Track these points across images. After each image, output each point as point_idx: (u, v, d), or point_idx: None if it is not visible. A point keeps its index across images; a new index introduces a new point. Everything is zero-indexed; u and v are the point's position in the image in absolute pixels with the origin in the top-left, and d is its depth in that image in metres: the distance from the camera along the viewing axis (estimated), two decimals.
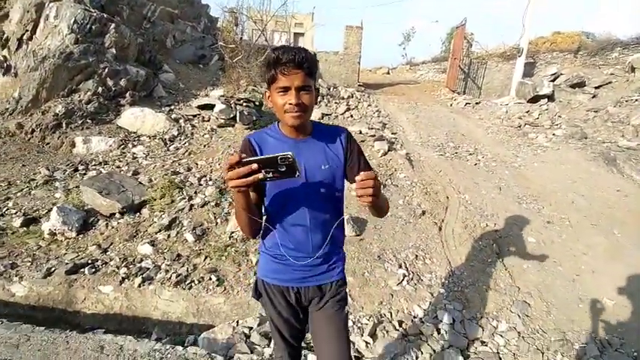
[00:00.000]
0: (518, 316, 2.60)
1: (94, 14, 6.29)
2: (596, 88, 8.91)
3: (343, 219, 1.36)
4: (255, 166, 0.90)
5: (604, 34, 11.75)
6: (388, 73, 16.26)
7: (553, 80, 9.46)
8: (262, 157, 0.92)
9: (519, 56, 9.89)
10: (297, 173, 0.93)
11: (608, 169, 5.17)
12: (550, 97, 8.46)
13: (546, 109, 7.82)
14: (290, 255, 1.27)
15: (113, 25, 6.43)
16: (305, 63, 1.07)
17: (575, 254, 3.30)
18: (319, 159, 1.22)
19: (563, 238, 3.51)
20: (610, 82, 8.97)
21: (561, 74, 9.96)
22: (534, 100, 8.51)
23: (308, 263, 1.28)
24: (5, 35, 6.63)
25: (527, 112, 7.85)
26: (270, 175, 0.92)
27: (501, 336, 2.44)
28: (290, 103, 1.09)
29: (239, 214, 1.16)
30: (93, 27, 6.21)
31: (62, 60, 5.64)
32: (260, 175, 0.90)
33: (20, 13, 6.55)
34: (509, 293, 2.81)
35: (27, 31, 6.41)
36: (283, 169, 0.92)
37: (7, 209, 3.53)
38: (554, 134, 6.53)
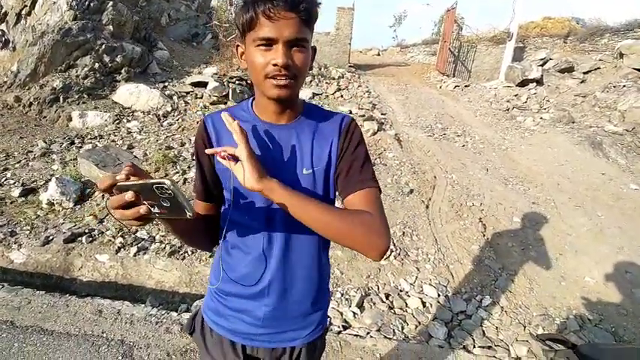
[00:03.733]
0: (502, 291, 2.56)
1: None
2: (584, 73, 8.67)
3: (328, 244, 0.90)
4: (128, 196, 0.58)
5: (594, 19, 11.40)
6: (379, 54, 15.73)
7: (542, 65, 9.20)
8: (137, 182, 0.59)
9: (509, 40, 9.59)
10: (188, 213, 0.59)
11: (594, 153, 5.07)
12: (539, 82, 8.24)
13: (535, 93, 7.63)
14: (233, 292, 0.84)
15: (111, 3, 6.18)
16: (302, 3, 0.68)
17: (559, 234, 3.24)
18: (302, 158, 0.79)
19: (547, 219, 3.44)
20: (599, 68, 8.73)
21: (550, 59, 9.68)
22: (523, 84, 8.29)
23: (259, 314, 0.83)
24: (3, 10, 6.28)
25: (515, 95, 7.66)
26: (157, 210, 0.60)
27: (485, 310, 2.39)
28: (275, 64, 0.68)
29: (172, 233, 0.79)
30: (91, 4, 5.98)
31: (60, 36, 5.42)
32: (142, 210, 0.58)
33: None
34: (494, 270, 2.76)
35: (26, 6, 6.10)
36: (167, 205, 0.59)
37: (6, 179, 3.39)
38: (541, 118, 6.39)
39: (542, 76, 8.28)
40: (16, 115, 4.50)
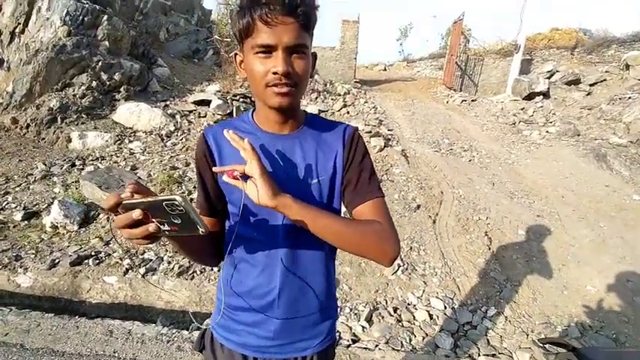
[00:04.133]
0: (507, 302, 2.84)
1: (86, 5, 6.33)
2: (591, 85, 9.19)
3: (335, 253, 0.96)
4: (136, 214, 0.60)
5: (601, 31, 12.05)
6: (385, 69, 16.47)
7: (549, 77, 9.73)
8: (144, 200, 0.62)
9: (516, 53, 10.13)
10: (200, 229, 0.62)
11: (598, 165, 5.45)
12: (545, 95, 8.74)
13: (541, 107, 8.10)
14: (242, 306, 0.90)
15: (105, 17, 6.48)
16: (300, 6, 0.70)
17: (562, 246, 3.54)
18: (307, 168, 0.84)
19: (551, 231, 3.76)
20: (605, 80, 9.25)
21: (557, 71, 10.23)
22: (530, 97, 8.78)
23: (269, 326, 0.89)
24: None
25: (522, 109, 8.13)
26: (166, 227, 0.63)
27: (490, 320, 2.66)
28: (275, 72, 0.72)
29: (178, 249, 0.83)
30: (85, 19, 6.25)
31: (55, 53, 5.71)
32: (151, 228, 0.61)
33: (13, 6, 6.58)
34: (498, 282, 3.04)
35: (19, 24, 6.45)
36: (178, 222, 0.61)
37: (7, 203, 3.66)
38: (547, 131, 6.81)
39: (548, 88, 8.78)
40: (13, 137, 4.84)
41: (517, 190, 4.59)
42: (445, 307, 2.75)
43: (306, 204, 0.74)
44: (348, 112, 7.27)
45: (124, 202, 0.62)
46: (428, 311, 2.71)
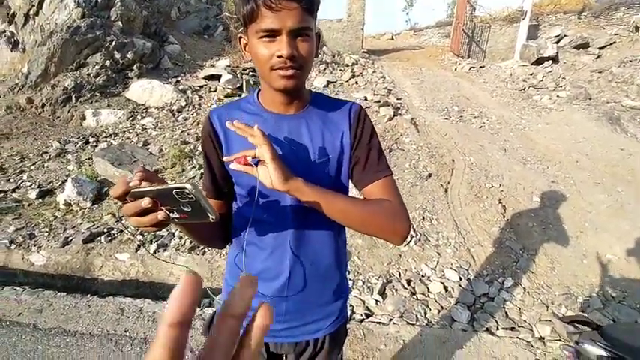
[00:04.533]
0: (524, 272, 2.50)
1: None
2: (600, 48, 8.32)
3: (344, 232, 0.89)
4: (145, 202, 0.55)
5: None
6: (392, 39, 15.40)
7: (557, 42, 8.85)
8: (154, 188, 0.56)
9: (523, 19, 9.25)
10: (211, 216, 0.58)
11: (612, 129, 4.88)
12: (554, 59, 7.94)
13: (550, 71, 7.36)
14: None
15: None
16: None
17: (579, 212, 3.14)
18: (314, 147, 0.78)
19: (567, 197, 3.34)
20: (614, 43, 8.36)
21: (565, 36, 9.30)
22: (538, 62, 8.02)
23: (280, 309, 0.82)
24: (12, 11, 6.30)
25: (531, 74, 7.41)
26: (176, 215, 0.58)
27: (507, 291, 2.34)
28: (280, 55, 0.67)
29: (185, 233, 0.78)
30: (99, 1, 5.88)
31: (70, 34, 5.37)
32: (160, 216, 0.57)
33: None
34: (515, 251, 2.69)
35: (33, 6, 6.09)
36: (188, 210, 0.57)
37: (22, 182, 3.43)
38: (558, 96, 6.16)
39: (557, 53, 7.98)
40: (29, 116, 4.55)
41: (529, 156, 4.12)
42: (460, 279, 2.42)
43: (317, 187, 0.69)
44: (356, 82, 6.72)
45: (132, 190, 0.57)
46: (442, 283, 2.39)
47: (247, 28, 0.70)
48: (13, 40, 6.21)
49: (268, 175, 0.64)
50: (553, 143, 4.48)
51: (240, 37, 0.76)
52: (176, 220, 0.59)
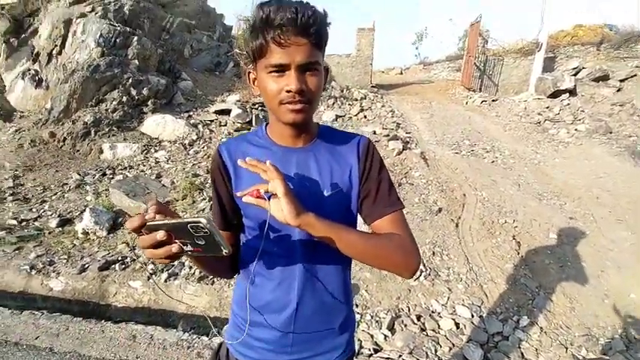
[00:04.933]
0: (540, 311, 2.57)
1: (118, 28, 6.63)
2: (621, 81, 8.58)
3: (350, 266, 0.93)
4: (160, 235, 0.60)
5: (627, 26, 11.35)
6: (401, 73, 16.13)
7: (575, 74, 9.16)
8: (168, 221, 0.62)
9: (538, 51, 9.61)
10: (224, 250, 0.62)
11: (634, 164, 5.01)
12: (572, 92, 8.21)
13: (568, 104, 7.61)
14: (259, 321, 0.86)
15: (135, 38, 6.75)
16: (312, 26, 0.69)
17: (600, 250, 3.22)
18: (322, 181, 0.81)
19: (586, 234, 3.43)
20: (635, 75, 8.61)
21: (583, 68, 9.63)
22: (555, 95, 8.27)
23: (287, 341, 0.86)
24: (36, 50, 7.05)
25: (547, 107, 7.66)
26: (189, 248, 0.63)
27: (523, 331, 2.42)
28: (289, 90, 0.71)
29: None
30: (117, 40, 6.55)
31: (90, 72, 5.95)
32: (174, 248, 0.62)
33: (49, 30, 6.96)
34: (530, 289, 2.78)
35: (56, 45, 6.80)
36: (202, 243, 0.62)
37: (44, 211, 3.77)
38: (576, 129, 6.36)
39: (575, 86, 8.25)
40: (51, 149, 5.02)
41: (546, 192, 4.26)
42: (472, 316, 2.52)
43: (328, 221, 0.72)
44: (365, 117, 7.11)
45: (148, 223, 0.61)
46: (454, 319, 2.50)
47: (256, 63, 0.75)
48: (37, 78, 6.91)
49: (280, 209, 0.67)
50: (571, 178, 4.63)
51: (249, 72, 0.81)
52: (189, 253, 0.63)
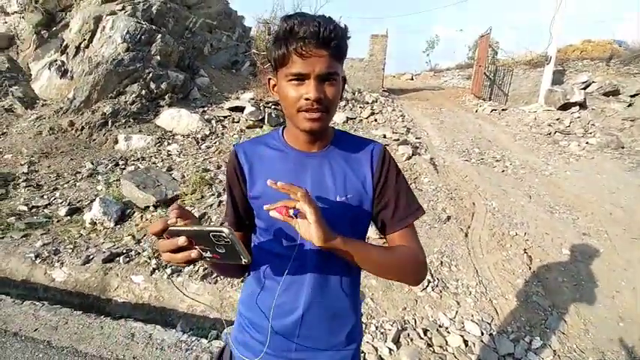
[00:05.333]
0: (554, 332, 2.31)
1: (144, 26, 6.57)
2: (631, 96, 8.18)
3: (359, 275, 0.89)
4: (181, 241, 0.59)
5: (637, 42, 10.91)
6: (412, 79, 15.82)
7: (584, 88, 8.79)
8: (191, 228, 0.60)
9: (547, 64, 9.27)
10: (244, 260, 0.61)
11: None
12: (582, 105, 7.84)
13: (578, 117, 7.24)
14: (264, 325, 0.81)
15: (160, 35, 6.70)
16: (333, 40, 0.69)
17: (615, 269, 2.93)
18: (336, 187, 0.79)
19: (601, 252, 3.14)
20: None
21: (593, 82, 9.24)
22: (564, 107, 7.91)
23: (290, 346, 0.82)
24: (65, 42, 6.99)
25: (557, 119, 7.31)
26: (209, 254, 0.62)
27: (535, 353, 2.16)
28: (307, 98, 0.70)
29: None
30: (142, 37, 6.51)
31: (114, 66, 5.89)
32: (193, 254, 0.60)
33: (79, 24, 6.90)
34: (543, 308, 2.51)
35: (84, 39, 6.74)
36: (222, 251, 0.60)
37: (55, 199, 3.61)
38: (587, 142, 6.01)
39: (585, 99, 7.88)
40: (68, 138, 4.88)
41: (557, 205, 3.96)
42: (482, 333, 2.27)
43: (353, 242, 0.70)
44: (375, 120, 6.86)
45: (170, 228, 0.60)
46: (462, 336, 2.25)
47: (277, 70, 0.75)
48: (63, 69, 6.83)
49: (309, 231, 0.65)
50: (584, 192, 4.31)
51: (270, 79, 0.80)
52: (208, 259, 0.62)
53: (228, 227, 0.58)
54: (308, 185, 0.77)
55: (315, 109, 0.71)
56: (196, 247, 0.61)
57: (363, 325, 2.31)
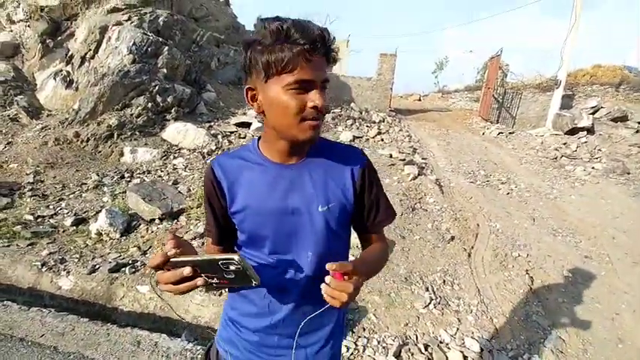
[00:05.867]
0: (552, 351, 2.49)
1: (151, 37, 6.89)
2: (639, 123, 8.53)
3: None
4: (187, 271, 0.62)
5: None
6: (420, 99, 16.35)
7: (593, 113, 9.15)
8: (198, 258, 0.63)
9: (557, 88, 9.66)
10: (254, 282, 0.64)
11: None
12: (589, 130, 8.17)
13: (585, 142, 7.56)
14: (249, 326, 0.88)
15: (166, 48, 6.99)
16: (332, 47, 0.72)
17: (615, 292, 3.13)
18: (317, 196, 0.81)
19: (602, 275, 3.35)
20: None
21: (602, 107, 9.62)
22: (572, 132, 8.25)
23: (276, 343, 0.88)
24: (70, 52, 7.36)
25: (564, 143, 7.62)
26: (215, 281, 0.65)
27: None
28: (315, 106, 0.71)
29: None
30: (149, 49, 6.78)
31: (119, 77, 6.15)
32: (199, 282, 0.63)
33: (85, 34, 7.27)
34: (542, 327, 2.70)
35: (90, 50, 7.08)
36: (231, 277, 0.63)
37: (60, 209, 3.84)
38: (593, 167, 6.29)
39: (593, 124, 8.22)
40: (74, 149, 5.17)
41: (561, 228, 4.19)
42: (482, 350, 2.45)
43: (362, 265, 0.75)
44: (382, 140, 7.17)
45: (171, 260, 0.62)
46: (462, 352, 2.42)
47: (269, 78, 0.71)
48: (68, 79, 7.18)
49: (345, 292, 0.66)
50: (588, 216, 4.54)
51: (248, 89, 0.77)
52: (214, 285, 0.65)
53: (239, 254, 0.61)
54: (290, 198, 0.80)
55: (319, 118, 0.73)
56: (202, 275, 0.63)
57: (365, 340, 2.49)
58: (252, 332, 0.88)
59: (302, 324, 0.84)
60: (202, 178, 4.60)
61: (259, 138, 0.87)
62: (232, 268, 0.62)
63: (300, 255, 0.82)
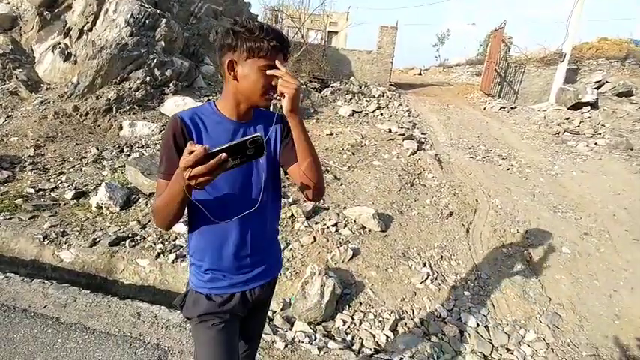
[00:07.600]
0: (548, 326, 2.44)
1: (149, 10, 6.55)
2: None
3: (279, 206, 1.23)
4: (224, 155, 0.73)
5: None
6: (420, 73, 15.80)
7: (597, 88, 8.78)
8: (230, 144, 0.75)
9: (561, 61, 9.25)
10: (265, 152, 0.81)
11: None
12: (593, 105, 7.86)
13: (588, 117, 7.29)
14: (230, 256, 1.06)
15: (164, 20, 6.67)
16: (289, 48, 1.00)
17: (614, 269, 3.05)
18: (266, 143, 1.00)
19: (601, 252, 3.26)
20: None
21: (606, 82, 9.23)
22: (575, 107, 7.94)
23: (247, 263, 1.10)
24: (68, 25, 7.05)
25: (567, 119, 7.35)
26: (238, 161, 0.78)
27: (529, 345, 2.29)
28: (274, 86, 0.94)
29: (169, 206, 0.91)
30: (146, 21, 6.48)
31: (117, 50, 5.91)
32: (228, 165, 0.75)
33: (83, 6, 6.92)
34: (539, 303, 2.64)
35: (88, 22, 6.76)
36: (252, 152, 0.78)
37: (61, 183, 3.75)
38: (596, 143, 6.08)
39: (597, 99, 7.91)
40: (73, 122, 5.01)
41: (561, 204, 4.06)
42: (478, 325, 2.40)
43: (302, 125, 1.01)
44: (381, 114, 6.95)
45: (209, 152, 0.73)
46: (458, 327, 2.38)
47: (249, 58, 0.93)
48: (66, 52, 6.91)
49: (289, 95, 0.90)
50: (588, 193, 4.41)
51: (231, 61, 0.95)
52: (235, 165, 0.78)
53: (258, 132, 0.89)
54: None
55: (274, 93, 0.96)
56: (229, 159, 0.75)
57: (362, 314, 2.45)
58: (226, 260, 1.07)
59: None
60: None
61: (214, 101, 1.06)
62: (255, 145, 0.77)
63: (251, 191, 1.05)
